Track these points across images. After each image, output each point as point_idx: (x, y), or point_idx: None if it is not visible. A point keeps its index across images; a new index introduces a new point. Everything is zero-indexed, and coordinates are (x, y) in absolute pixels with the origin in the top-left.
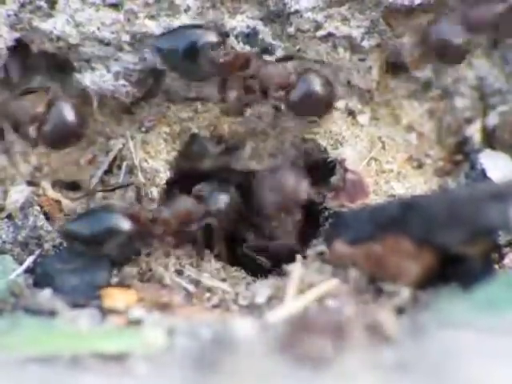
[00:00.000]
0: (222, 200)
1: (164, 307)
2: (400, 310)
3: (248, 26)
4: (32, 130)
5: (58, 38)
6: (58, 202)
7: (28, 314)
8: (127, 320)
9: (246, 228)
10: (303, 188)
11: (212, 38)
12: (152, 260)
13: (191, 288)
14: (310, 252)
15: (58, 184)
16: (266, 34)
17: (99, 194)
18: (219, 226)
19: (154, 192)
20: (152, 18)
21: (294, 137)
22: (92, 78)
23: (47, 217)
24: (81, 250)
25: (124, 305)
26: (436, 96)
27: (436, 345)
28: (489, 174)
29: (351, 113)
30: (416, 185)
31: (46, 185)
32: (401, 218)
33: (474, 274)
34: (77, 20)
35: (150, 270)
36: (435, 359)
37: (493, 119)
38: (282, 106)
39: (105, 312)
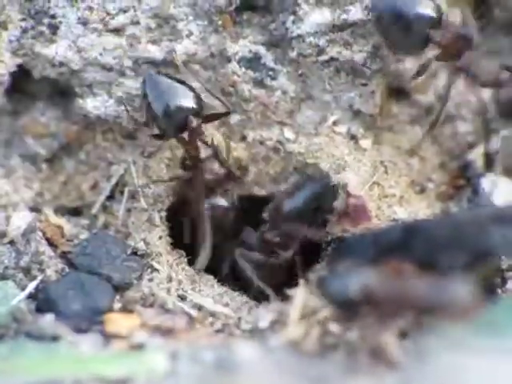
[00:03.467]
0: None
1: (167, 332)
2: (403, 334)
3: (250, 51)
4: None
5: (60, 64)
6: (61, 227)
7: (30, 339)
8: (130, 345)
9: None
10: None
11: None
12: (154, 285)
13: (194, 313)
14: (313, 276)
15: (60, 210)
16: (268, 58)
17: (102, 219)
18: None
19: (157, 217)
20: (154, 42)
21: (297, 161)
22: (94, 104)
23: (49, 242)
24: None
25: (127, 330)
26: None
27: (439, 368)
28: (491, 199)
29: (353, 137)
30: (418, 209)
31: (48, 210)
32: (403, 242)
33: None
34: (79, 45)
35: (153, 294)
36: (437, 382)
37: (495, 144)
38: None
39: (107, 337)
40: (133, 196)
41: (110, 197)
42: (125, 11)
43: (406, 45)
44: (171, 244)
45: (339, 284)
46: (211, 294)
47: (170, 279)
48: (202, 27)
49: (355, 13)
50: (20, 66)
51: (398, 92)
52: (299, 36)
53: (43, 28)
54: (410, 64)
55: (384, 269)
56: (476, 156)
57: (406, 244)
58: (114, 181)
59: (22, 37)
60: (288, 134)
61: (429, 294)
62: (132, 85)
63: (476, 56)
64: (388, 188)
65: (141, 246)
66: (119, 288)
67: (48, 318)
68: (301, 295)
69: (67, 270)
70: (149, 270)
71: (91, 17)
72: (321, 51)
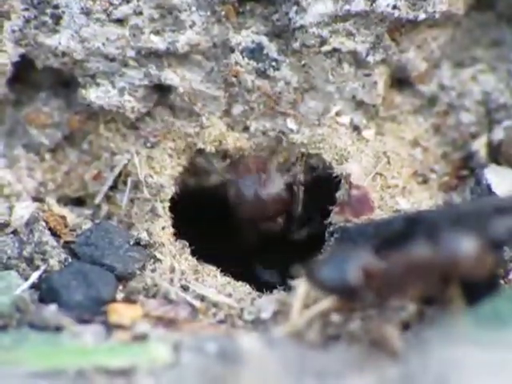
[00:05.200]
0: None
1: (169, 322)
2: (405, 325)
3: (253, 42)
4: None
5: (63, 54)
6: (64, 217)
7: (33, 330)
8: (133, 335)
9: None
10: None
11: None
12: (157, 275)
13: (197, 303)
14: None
15: (63, 200)
16: (271, 49)
17: (105, 209)
18: None
19: (160, 208)
20: (157, 33)
21: (299, 152)
22: (97, 94)
23: (52, 232)
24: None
25: (129, 320)
26: (441, 111)
27: (440, 359)
28: (494, 189)
29: (356, 128)
30: (421, 200)
31: (51, 200)
32: (406, 232)
33: (479, 289)
34: (82, 35)
35: (156, 285)
36: (439, 374)
37: (498, 134)
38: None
39: (110, 327)
40: (136, 186)
41: (113, 187)
42: (128, 1)
43: None
44: (174, 234)
45: (336, 272)
46: (214, 285)
47: (172, 270)
48: (205, 17)
49: (358, 3)
50: (23, 56)
51: (400, 82)
52: (302, 26)
53: (46, 18)
54: (412, 54)
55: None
56: (479, 146)
57: (408, 235)
58: (117, 171)
59: (24, 27)
60: (291, 124)
61: (431, 255)
62: (135, 75)
63: None
64: (391, 179)
65: (144, 236)
66: (122, 278)
67: (51, 309)
68: (303, 286)
69: (70, 260)
70: (152, 261)
71: (94, 7)
72: (324, 42)
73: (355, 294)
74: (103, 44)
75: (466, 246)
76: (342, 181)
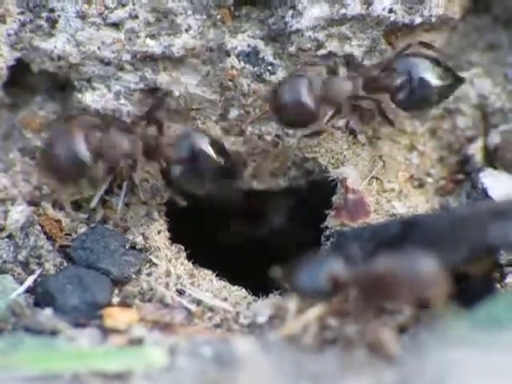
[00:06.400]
0: None
1: (165, 327)
2: (401, 329)
3: (249, 45)
4: None
5: (59, 58)
6: (59, 221)
7: (29, 334)
8: (128, 339)
9: None
10: None
11: None
12: (153, 279)
13: (192, 307)
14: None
15: (58, 204)
16: (266, 53)
17: (100, 213)
18: None
19: (155, 212)
20: (153, 37)
21: (295, 156)
22: (93, 98)
23: (48, 236)
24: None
25: (125, 324)
26: (437, 115)
27: (437, 363)
28: (490, 193)
29: (352, 132)
30: (417, 204)
31: (46, 204)
32: (402, 236)
33: (476, 293)
34: (77, 39)
35: (152, 289)
36: (436, 377)
37: (494, 138)
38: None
39: (106, 331)
40: (131, 190)
41: (109, 191)
42: (123, 5)
43: None
44: (170, 238)
45: (307, 279)
46: (210, 289)
47: (168, 274)
48: (201, 21)
49: (354, 7)
50: (18, 60)
51: None
52: (298, 30)
53: (42, 22)
54: None
55: None
56: (475, 150)
57: (404, 239)
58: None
59: (20, 30)
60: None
61: (395, 269)
62: (130, 79)
63: None
64: (387, 183)
65: (139, 240)
66: (118, 282)
67: (46, 313)
68: None
69: (66, 264)
70: (147, 265)
71: (90, 10)
72: (320, 45)
73: (330, 298)
74: (99, 48)
75: (426, 268)
76: (338, 185)
